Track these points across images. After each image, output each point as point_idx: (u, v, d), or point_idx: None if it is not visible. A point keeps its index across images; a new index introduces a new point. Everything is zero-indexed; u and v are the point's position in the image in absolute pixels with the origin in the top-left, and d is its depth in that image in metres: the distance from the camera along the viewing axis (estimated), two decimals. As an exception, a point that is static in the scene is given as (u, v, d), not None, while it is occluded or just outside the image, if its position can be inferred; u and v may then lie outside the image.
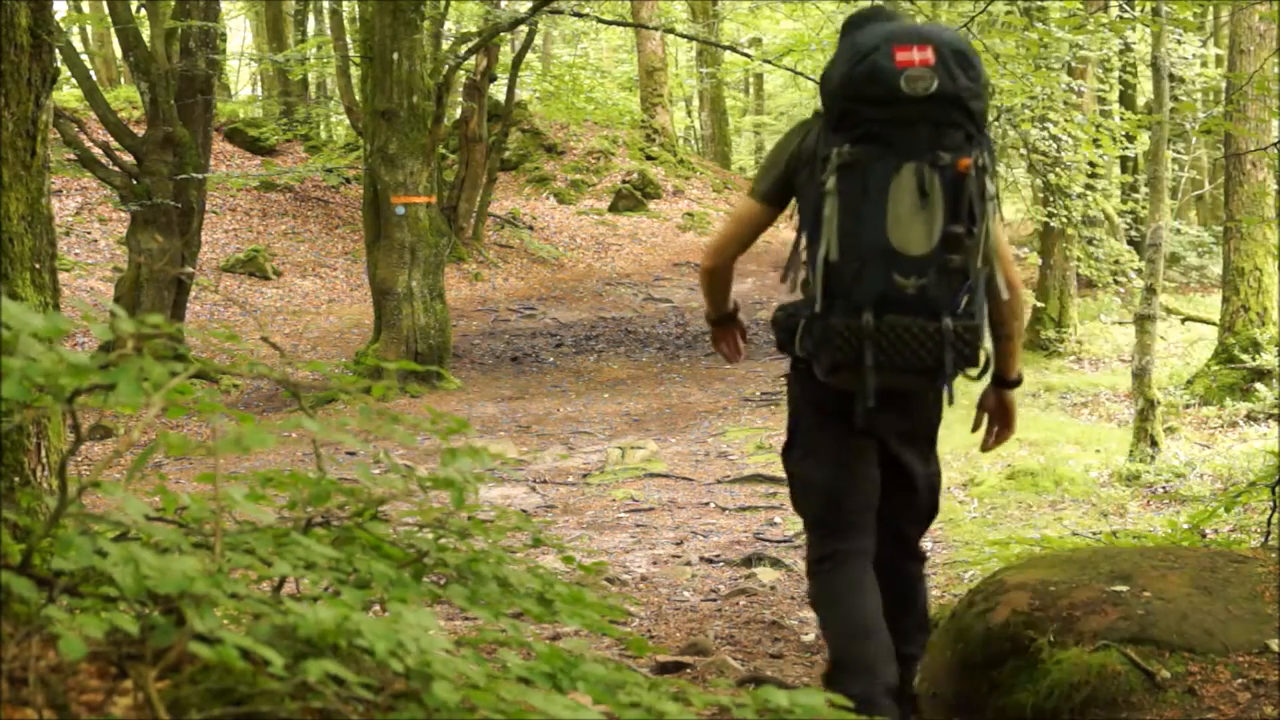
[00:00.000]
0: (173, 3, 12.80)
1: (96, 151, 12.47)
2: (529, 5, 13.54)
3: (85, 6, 23.60)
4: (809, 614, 4.75)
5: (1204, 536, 5.23)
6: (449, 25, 17.48)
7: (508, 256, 18.56)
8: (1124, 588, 3.09)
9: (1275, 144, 8.90)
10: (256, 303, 15.56)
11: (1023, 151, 10.68)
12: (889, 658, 2.91)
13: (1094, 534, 5.74)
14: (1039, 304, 12.32)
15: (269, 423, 5.39)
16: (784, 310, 3.01)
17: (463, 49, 13.94)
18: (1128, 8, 9.59)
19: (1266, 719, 2.61)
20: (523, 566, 1.96)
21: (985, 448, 3.23)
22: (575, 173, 22.52)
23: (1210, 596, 3.03)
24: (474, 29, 16.29)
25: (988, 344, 2.97)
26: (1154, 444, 7.60)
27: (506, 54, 19.24)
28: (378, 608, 1.83)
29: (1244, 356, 9.73)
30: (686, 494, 7.50)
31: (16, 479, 2.96)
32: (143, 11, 13.39)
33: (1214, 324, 11.17)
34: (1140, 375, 7.73)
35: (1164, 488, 7.17)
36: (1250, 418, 9.04)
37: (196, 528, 1.85)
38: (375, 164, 11.76)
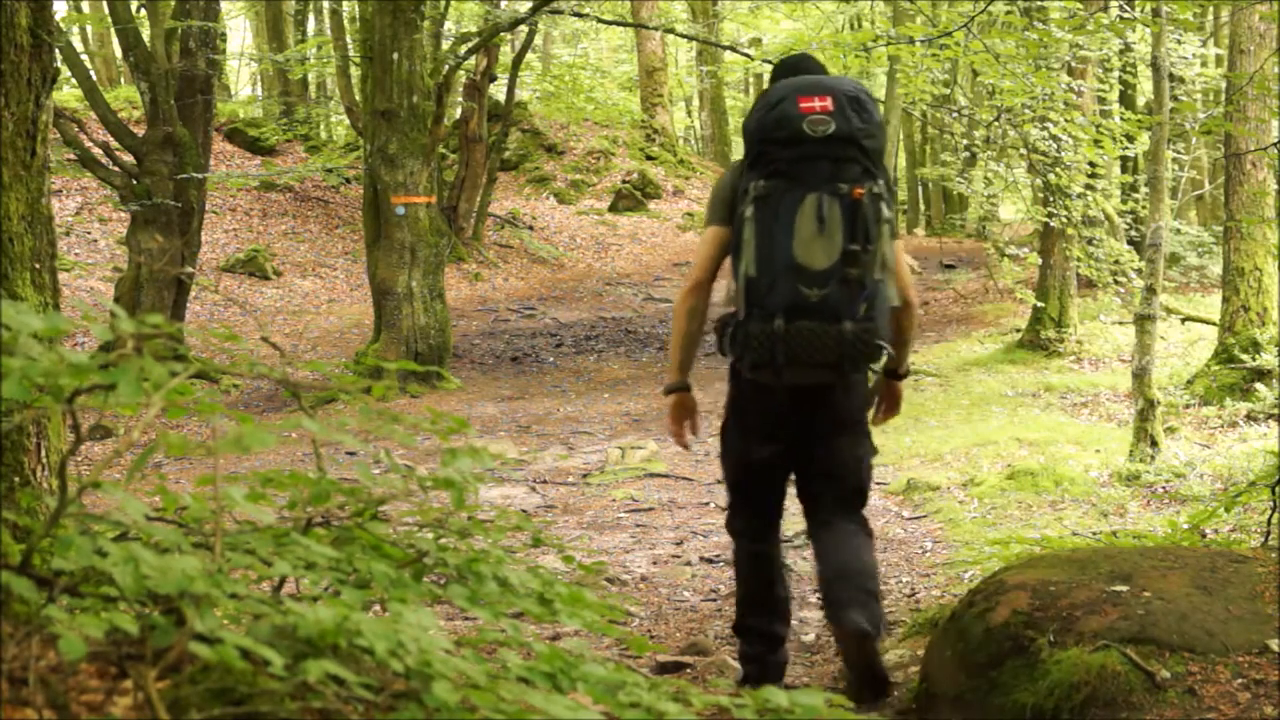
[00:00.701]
0: (173, 3, 12.80)
1: (96, 151, 12.47)
2: (529, 5, 13.53)
3: (85, 6, 23.61)
4: (809, 614, 4.76)
5: (1204, 536, 5.22)
6: (449, 25, 17.48)
7: (508, 256, 18.56)
8: (1124, 588, 3.09)
9: (1275, 144, 8.88)
10: (256, 303, 15.56)
11: (1023, 151, 10.67)
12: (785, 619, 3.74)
13: (1094, 534, 5.73)
14: (1039, 304, 12.29)
15: (269, 423, 5.39)
16: (720, 320, 3.53)
17: (463, 49, 13.93)
18: (1128, 8, 9.57)
19: (1266, 719, 2.61)
20: (523, 566, 1.96)
21: (874, 423, 3.76)
22: (575, 173, 22.52)
23: (1210, 596, 3.03)
24: (474, 29, 16.29)
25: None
26: (1154, 444, 7.59)
27: (506, 54, 19.25)
28: (378, 608, 1.82)
29: (1244, 356, 9.72)
30: (686, 494, 7.49)
31: (16, 479, 2.96)
32: (143, 11, 13.39)
33: (1214, 324, 11.15)
34: (1140, 375, 7.71)
35: (1164, 488, 7.15)
36: (1250, 418, 9.02)
37: (196, 528, 1.85)
38: (375, 164, 11.76)
